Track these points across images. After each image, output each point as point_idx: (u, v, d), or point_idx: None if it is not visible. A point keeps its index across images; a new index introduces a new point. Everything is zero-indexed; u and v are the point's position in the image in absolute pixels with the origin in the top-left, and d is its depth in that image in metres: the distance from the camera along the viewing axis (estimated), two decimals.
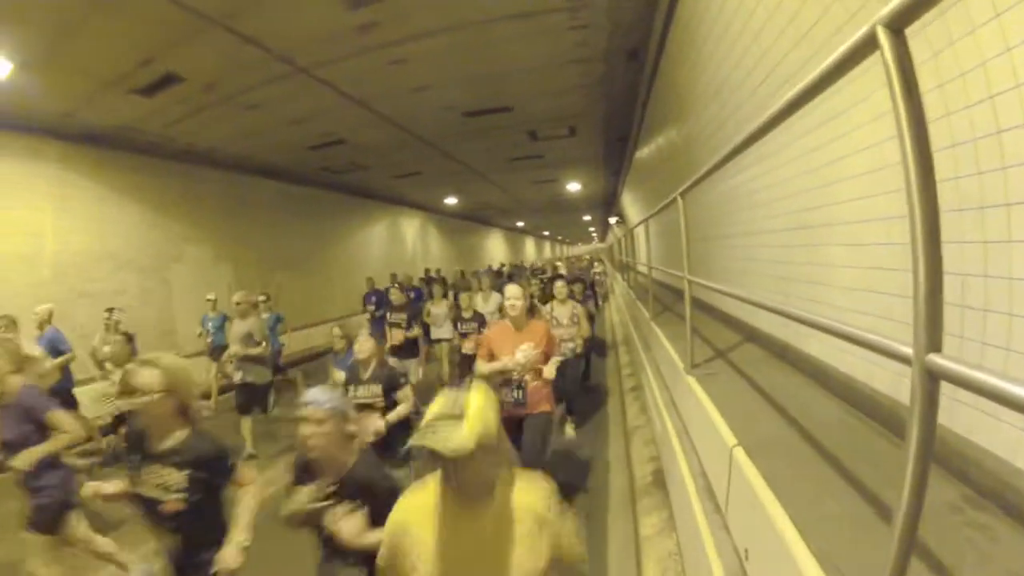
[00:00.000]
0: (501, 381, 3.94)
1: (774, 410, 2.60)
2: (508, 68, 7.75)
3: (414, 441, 1.41)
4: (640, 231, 11.99)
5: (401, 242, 22.14)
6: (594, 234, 53.07)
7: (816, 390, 2.78)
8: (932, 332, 0.86)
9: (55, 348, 6.41)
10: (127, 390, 2.16)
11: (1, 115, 7.33)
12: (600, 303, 14.02)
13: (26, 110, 7.35)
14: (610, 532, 4.17)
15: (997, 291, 1.57)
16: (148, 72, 6.62)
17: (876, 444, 2.05)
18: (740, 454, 2.16)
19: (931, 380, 0.86)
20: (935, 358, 0.84)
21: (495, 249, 37.61)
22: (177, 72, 6.75)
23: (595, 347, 9.04)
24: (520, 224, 38.73)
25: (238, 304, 6.40)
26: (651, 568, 3.35)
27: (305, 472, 2.32)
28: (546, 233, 53.50)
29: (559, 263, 22.86)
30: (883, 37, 0.90)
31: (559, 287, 6.39)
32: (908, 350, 0.90)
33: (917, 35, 1.69)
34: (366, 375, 3.91)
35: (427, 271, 19.16)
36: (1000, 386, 0.71)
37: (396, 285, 8.76)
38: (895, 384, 2.11)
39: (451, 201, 21.80)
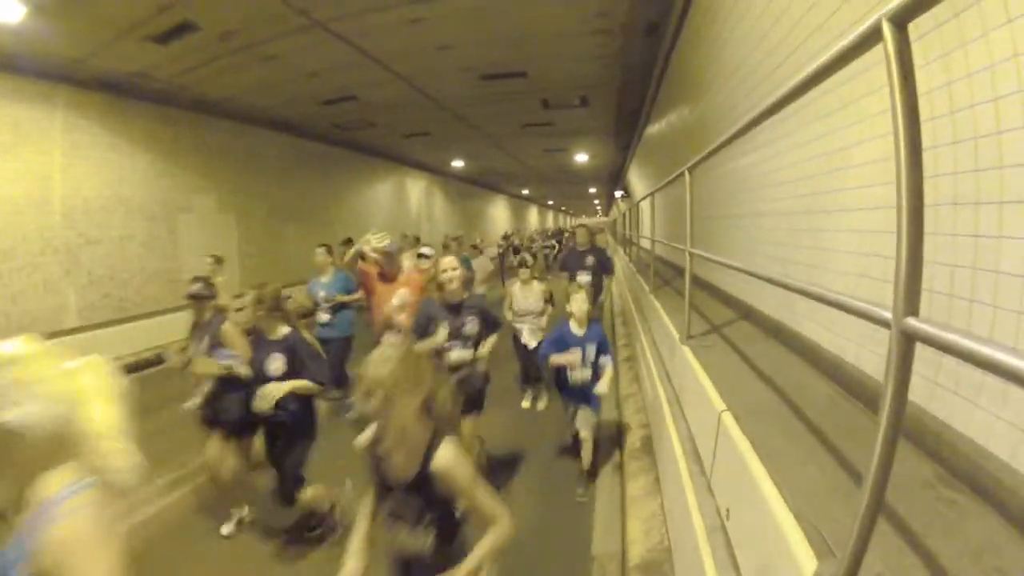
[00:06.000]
0: None
1: (764, 382, 2.70)
2: (526, 33, 7.71)
3: None
4: (645, 206, 11.98)
5: (406, 202, 22.14)
6: (598, 207, 52.95)
7: (807, 368, 2.87)
8: (910, 296, 0.94)
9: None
10: None
11: (13, 59, 7.31)
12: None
13: (38, 55, 7.34)
14: (597, 494, 4.33)
15: (984, 283, 1.64)
16: (165, 19, 6.59)
17: (859, 419, 2.14)
18: (728, 418, 2.27)
19: (907, 341, 0.95)
20: (911, 321, 0.92)
21: (499, 216, 37.52)
22: (194, 20, 6.72)
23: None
24: (526, 192, 38.60)
25: None
26: (635, 527, 3.51)
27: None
28: (551, 203, 53.36)
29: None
30: (887, 30, 0.96)
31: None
32: (887, 314, 0.99)
33: (931, 33, 1.76)
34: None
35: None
36: (967, 345, 0.77)
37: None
38: (881, 366, 2.20)
39: (458, 164, 21.75)
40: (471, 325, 3.82)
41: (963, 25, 1.67)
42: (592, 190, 37.39)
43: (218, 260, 7.82)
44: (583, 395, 4.27)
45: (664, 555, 3.07)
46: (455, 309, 3.82)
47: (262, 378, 3.30)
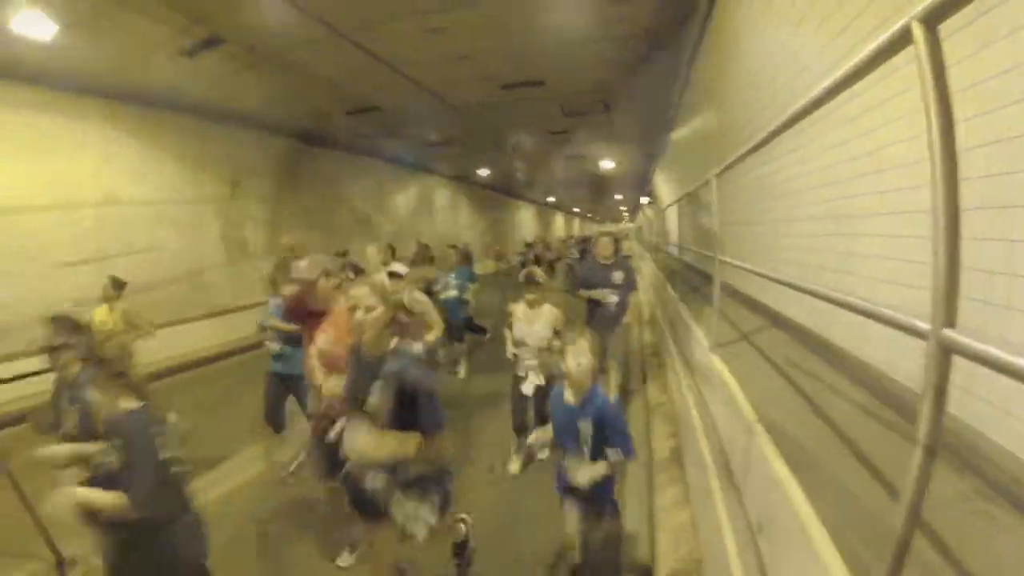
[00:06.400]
0: None
1: (795, 391, 2.64)
2: (546, 42, 7.72)
3: None
4: (671, 213, 11.90)
5: (430, 211, 22.30)
6: (625, 213, 52.60)
7: (838, 376, 2.80)
8: (948, 308, 0.91)
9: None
10: None
11: (48, 74, 7.48)
12: None
13: (72, 70, 7.52)
14: (626, 504, 4.26)
15: (1020, 290, 1.60)
16: (193, 34, 6.77)
17: (893, 429, 2.08)
18: (760, 429, 2.23)
19: (944, 354, 0.91)
20: (949, 333, 0.89)
21: (526, 223, 37.52)
22: (221, 34, 6.88)
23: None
24: (551, 199, 38.56)
25: None
26: (665, 538, 3.45)
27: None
28: (576, 210, 53.22)
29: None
30: (917, 32, 0.94)
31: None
32: (925, 325, 0.96)
33: (959, 31, 1.71)
34: None
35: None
36: (1010, 360, 0.76)
37: None
38: (914, 373, 2.14)
39: (483, 172, 21.83)
40: (376, 396, 2.41)
41: (992, 23, 1.62)
42: (618, 196, 37.16)
43: (117, 284, 6.15)
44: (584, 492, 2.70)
45: (694, 566, 3.02)
46: (372, 368, 2.46)
47: (100, 479, 2.18)
